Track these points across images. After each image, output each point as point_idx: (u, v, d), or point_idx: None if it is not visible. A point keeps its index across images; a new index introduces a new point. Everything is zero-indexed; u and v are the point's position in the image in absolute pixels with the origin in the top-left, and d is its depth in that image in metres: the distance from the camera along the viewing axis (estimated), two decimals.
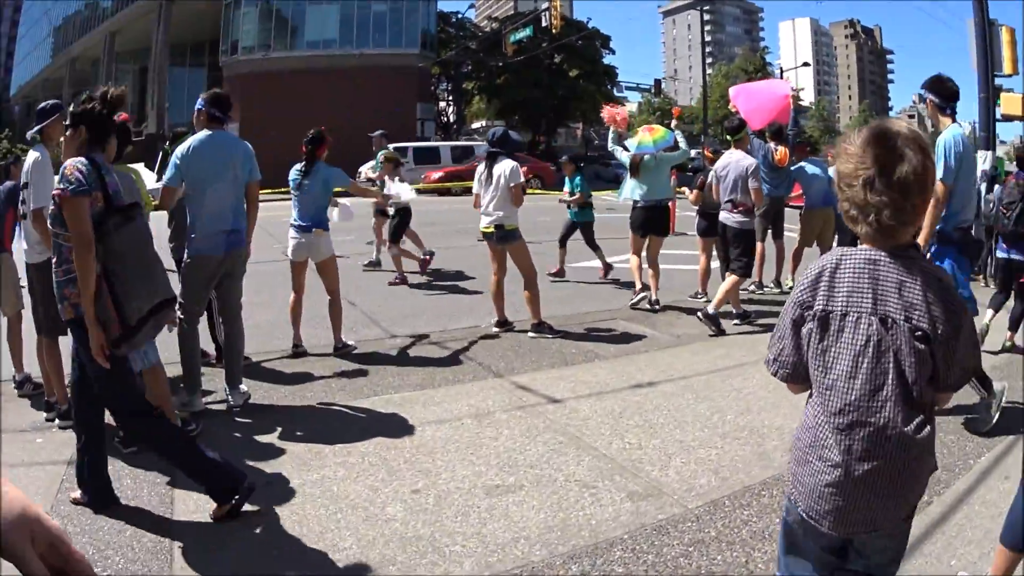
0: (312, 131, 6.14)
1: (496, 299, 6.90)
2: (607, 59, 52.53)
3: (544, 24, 31.94)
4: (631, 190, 7.83)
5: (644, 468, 3.80)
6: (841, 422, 1.71)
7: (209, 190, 4.59)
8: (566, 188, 9.88)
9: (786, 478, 1.92)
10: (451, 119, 52.91)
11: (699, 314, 6.96)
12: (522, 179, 6.60)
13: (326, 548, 3.07)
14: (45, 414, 4.64)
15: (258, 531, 3.22)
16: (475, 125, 66.35)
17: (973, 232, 5.03)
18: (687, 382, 5.29)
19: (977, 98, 13.00)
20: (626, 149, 7.81)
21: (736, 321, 7.10)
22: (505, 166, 6.51)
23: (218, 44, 46.20)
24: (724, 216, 7.22)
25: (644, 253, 7.92)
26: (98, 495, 3.41)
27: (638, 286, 7.79)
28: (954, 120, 4.74)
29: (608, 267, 9.64)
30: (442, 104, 54.16)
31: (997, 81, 13.54)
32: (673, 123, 8.14)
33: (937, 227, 4.71)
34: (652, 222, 7.77)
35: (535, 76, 45.60)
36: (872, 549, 1.82)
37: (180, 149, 4.61)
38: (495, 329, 6.84)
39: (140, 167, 4.86)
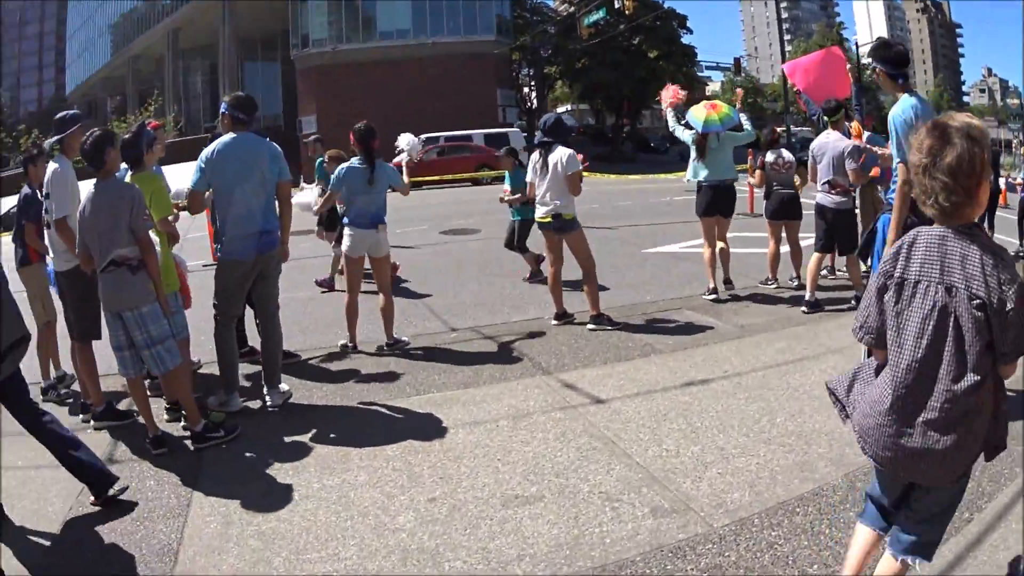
0: (362, 125, 6.00)
1: (554, 291, 6.69)
2: (685, 39, 50.59)
3: (617, 6, 30.77)
4: (694, 171, 7.48)
5: (676, 479, 3.54)
6: (906, 378, 1.94)
7: (236, 192, 4.60)
8: (506, 186, 8.83)
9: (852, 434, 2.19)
10: (534, 104, 52.49)
11: (853, 301, 6.82)
12: (579, 167, 6.35)
13: (326, 557, 2.99)
14: (81, 415, 4.78)
15: (264, 536, 3.18)
16: (560, 109, 65.65)
17: None
18: (741, 379, 4.96)
19: None
20: (688, 127, 7.45)
21: (804, 309, 6.73)
22: (561, 154, 6.27)
23: (288, 37, 46.16)
24: (821, 197, 6.91)
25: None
26: (95, 483, 3.48)
27: (711, 285, 7.37)
28: (906, 90, 4.31)
29: (537, 271, 8.58)
30: (526, 90, 53.65)
31: None
32: (737, 104, 7.70)
33: (889, 201, 4.37)
34: (718, 203, 7.39)
35: (613, 58, 44.46)
36: (927, 498, 2.07)
37: (205, 152, 4.65)
38: (553, 322, 6.65)
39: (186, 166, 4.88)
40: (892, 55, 4.38)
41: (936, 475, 1.98)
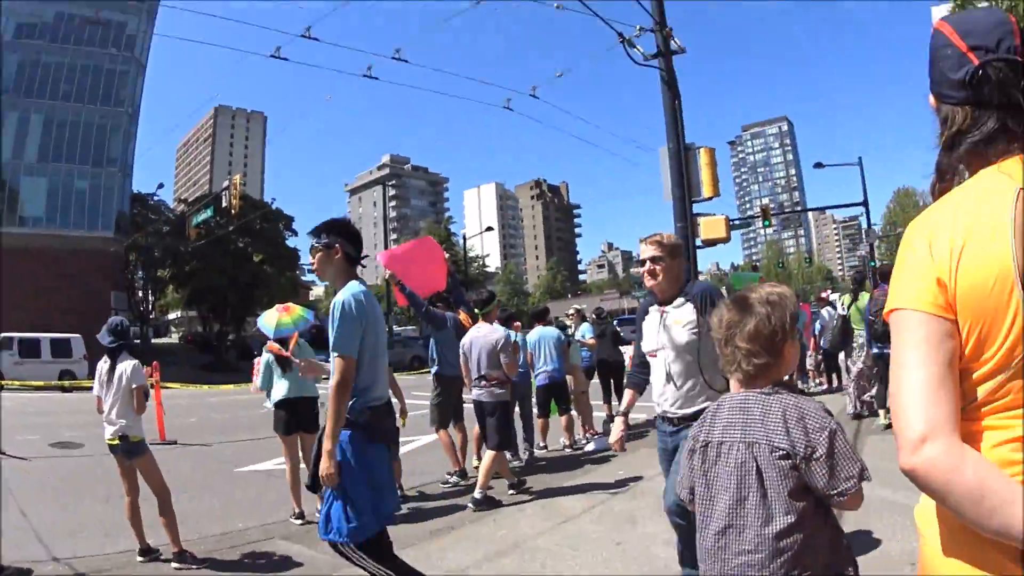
0: None
1: (134, 523, 5.63)
2: (291, 241, 51.19)
3: (224, 204, 29.02)
4: (267, 381, 6.85)
5: None
6: (717, 527, 2.01)
7: None
8: None
9: None
10: (147, 309, 48.38)
11: (471, 505, 6.60)
12: (144, 381, 5.66)
13: None
14: None
15: None
16: (171, 316, 61.37)
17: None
18: None
19: (674, 229, 11.92)
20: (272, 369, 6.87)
21: (511, 491, 6.85)
22: (127, 364, 5.57)
23: None
24: (478, 393, 6.87)
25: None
26: None
27: (297, 510, 6.71)
28: (358, 276, 3.82)
29: None
30: (140, 294, 49.10)
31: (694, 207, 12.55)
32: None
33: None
34: (300, 420, 6.77)
35: (222, 262, 43.26)
36: None
37: None
38: (139, 559, 5.58)
39: None
40: (356, 232, 3.87)
41: None
